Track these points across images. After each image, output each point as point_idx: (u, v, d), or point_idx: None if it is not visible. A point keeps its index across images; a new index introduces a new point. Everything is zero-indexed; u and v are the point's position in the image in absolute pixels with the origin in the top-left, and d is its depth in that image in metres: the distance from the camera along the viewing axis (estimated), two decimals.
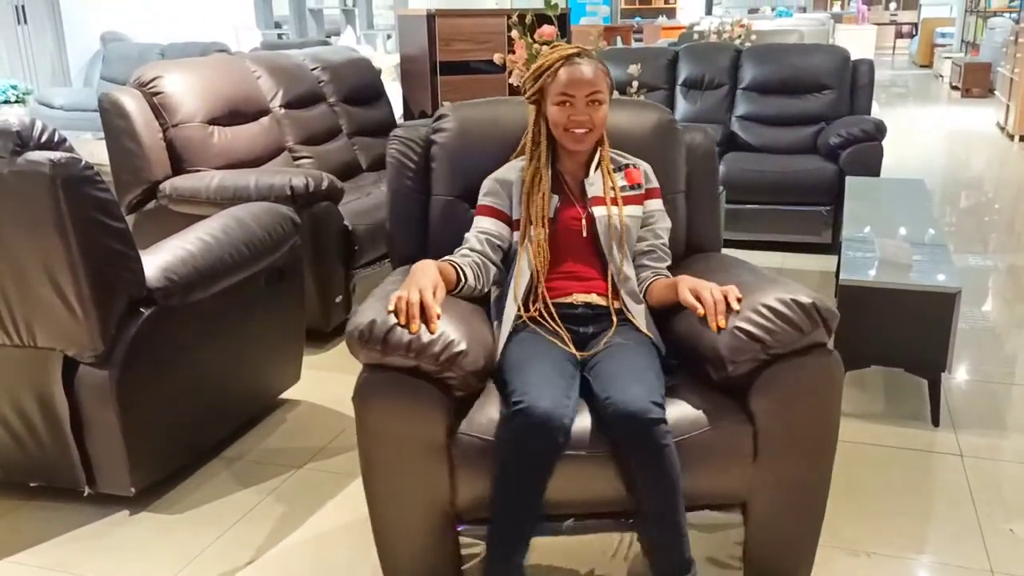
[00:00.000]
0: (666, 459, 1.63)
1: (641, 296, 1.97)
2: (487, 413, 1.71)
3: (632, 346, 1.82)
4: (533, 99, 1.97)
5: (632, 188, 2.02)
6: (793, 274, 4.13)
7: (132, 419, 2.15)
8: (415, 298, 1.65)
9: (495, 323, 1.93)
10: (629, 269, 1.98)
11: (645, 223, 2.03)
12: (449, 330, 1.67)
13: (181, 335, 2.28)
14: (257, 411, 2.74)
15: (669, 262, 2.03)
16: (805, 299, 1.69)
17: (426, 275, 1.73)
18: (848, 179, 3.95)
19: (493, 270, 1.96)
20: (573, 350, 1.83)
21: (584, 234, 1.96)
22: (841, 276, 2.68)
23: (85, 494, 2.24)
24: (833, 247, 4.26)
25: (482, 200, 2.01)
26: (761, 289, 1.75)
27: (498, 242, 1.97)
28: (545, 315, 1.90)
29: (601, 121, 1.94)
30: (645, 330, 1.89)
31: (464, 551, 1.74)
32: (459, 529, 1.74)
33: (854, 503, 2.27)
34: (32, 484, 2.30)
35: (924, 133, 8.67)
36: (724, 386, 1.75)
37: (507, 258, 1.98)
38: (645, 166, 2.07)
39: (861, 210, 3.42)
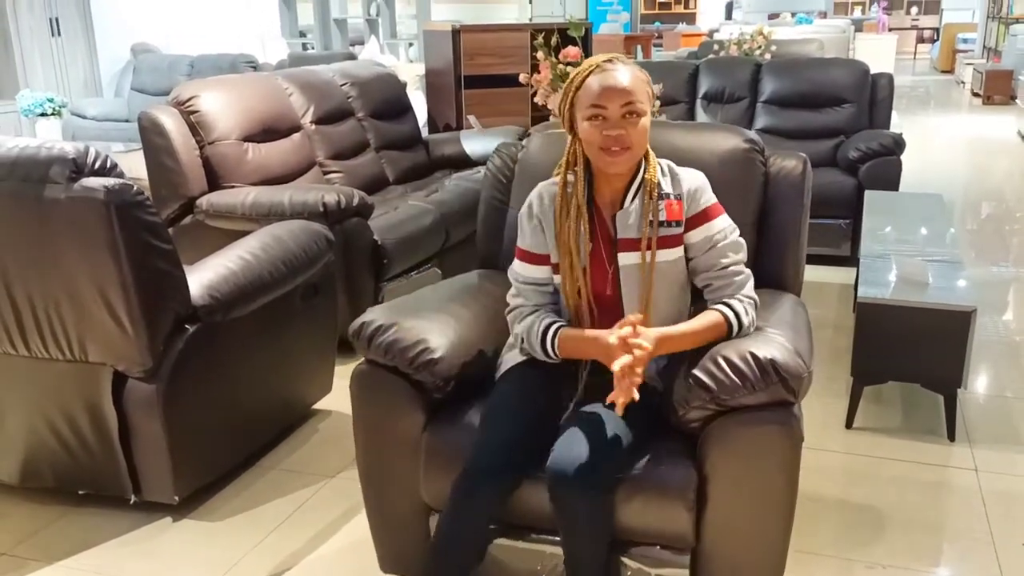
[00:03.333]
0: (576, 520, 1.63)
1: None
2: (457, 417, 1.85)
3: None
4: (570, 126, 1.77)
5: (670, 225, 1.76)
6: (812, 286, 4.18)
7: (177, 430, 2.26)
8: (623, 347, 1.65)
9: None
10: (657, 324, 1.75)
11: (703, 251, 1.78)
12: (431, 337, 1.84)
13: (223, 350, 2.39)
14: (292, 421, 2.85)
15: (731, 289, 1.76)
16: (765, 354, 1.62)
17: (602, 343, 1.70)
18: (867, 193, 4.00)
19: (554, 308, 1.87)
20: (570, 394, 1.80)
21: (608, 291, 1.79)
22: (859, 293, 2.74)
23: (131, 502, 2.35)
24: (852, 260, 4.31)
25: (520, 242, 1.86)
26: (739, 340, 1.71)
27: (545, 288, 1.85)
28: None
29: (640, 137, 1.70)
30: (652, 380, 1.79)
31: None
32: (430, 518, 1.88)
33: (870, 516, 2.34)
34: (81, 492, 2.41)
35: (945, 140, 8.67)
36: (682, 431, 1.73)
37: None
38: (694, 182, 1.79)
39: (880, 225, 3.47)
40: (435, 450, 1.83)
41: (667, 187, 1.78)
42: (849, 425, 2.82)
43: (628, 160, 1.72)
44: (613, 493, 1.68)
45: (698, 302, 1.89)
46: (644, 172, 1.78)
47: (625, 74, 1.68)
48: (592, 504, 1.64)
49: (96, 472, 2.32)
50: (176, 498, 2.31)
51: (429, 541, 1.85)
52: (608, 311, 1.80)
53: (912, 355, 2.70)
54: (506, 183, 2.28)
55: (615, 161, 1.71)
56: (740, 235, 1.82)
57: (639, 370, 1.63)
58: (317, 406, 2.96)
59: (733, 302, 1.75)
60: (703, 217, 1.78)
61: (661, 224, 1.76)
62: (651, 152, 1.80)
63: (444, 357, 1.82)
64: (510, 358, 1.90)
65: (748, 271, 1.80)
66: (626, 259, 1.78)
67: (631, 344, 1.64)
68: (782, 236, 2.08)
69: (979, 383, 3.18)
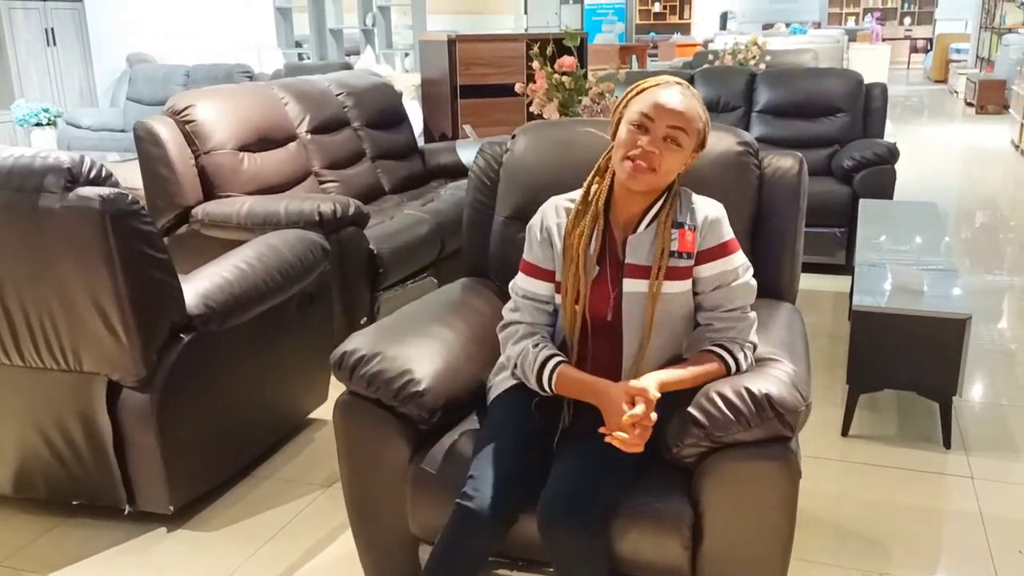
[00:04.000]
0: (571, 562, 1.60)
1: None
2: (445, 448, 1.79)
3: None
4: (614, 131, 1.71)
5: (680, 256, 1.68)
6: (807, 295, 4.19)
7: (171, 440, 2.25)
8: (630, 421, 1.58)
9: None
10: (655, 355, 1.71)
11: (711, 288, 1.70)
12: (416, 367, 1.78)
13: (218, 359, 2.38)
14: (287, 431, 2.84)
15: (733, 333, 1.70)
16: (760, 389, 1.58)
17: (605, 401, 1.63)
18: (862, 202, 4.02)
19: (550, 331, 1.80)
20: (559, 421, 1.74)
21: (609, 317, 1.71)
22: (854, 302, 2.75)
23: (125, 512, 2.34)
24: (847, 268, 4.32)
25: (526, 255, 1.79)
26: (735, 375, 1.67)
27: (544, 307, 1.77)
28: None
29: (669, 166, 1.65)
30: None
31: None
32: (419, 549, 1.85)
33: (866, 524, 2.33)
34: (75, 502, 2.40)
35: (939, 149, 8.71)
36: (677, 465, 1.69)
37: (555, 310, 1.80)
38: (711, 214, 1.71)
39: (874, 234, 3.49)
40: (423, 482, 1.77)
41: (682, 216, 1.70)
42: (845, 433, 2.82)
43: (648, 182, 1.65)
44: (608, 530, 1.63)
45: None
46: (665, 201, 1.71)
47: (684, 100, 1.65)
48: (586, 541, 1.59)
49: (90, 482, 2.31)
50: (171, 508, 2.30)
51: (420, 572, 1.82)
52: (606, 336, 1.73)
53: (907, 363, 2.71)
54: (491, 185, 2.22)
55: (636, 176, 1.64)
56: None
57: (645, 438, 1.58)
58: (312, 416, 2.95)
59: (734, 348, 1.68)
60: (717, 253, 1.70)
61: (672, 255, 1.68)
62: (677, 185, 1.74)
63: (430, 388, 1.76)
64: (500, 381, 1.83)
65: (753, 315, 1.73)
66: (631, 286, 1.70)
67: (642, 425, 1.57)
68: (778, 241, 2.03)
69: (975, 391, 3.18)
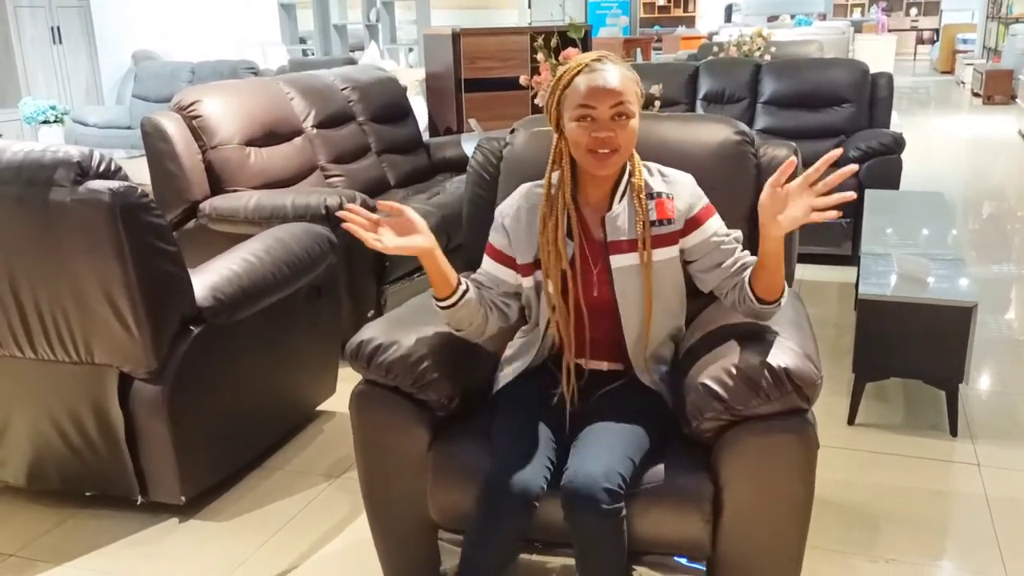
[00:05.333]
0: (594, 542, 1.60)
1: (750, 298, 1.69)
2: (463, 432, 1.82)
3: (625, 406, 1.71)
4: (556, 123, 1.72)
5: (662, 224, 1.73)
6: (813, 285, 4.20)
7: (182, 431, 2.28)
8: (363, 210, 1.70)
9: (508, 352, 1.90)
10: (658, 328, 1.77)
11: (704, 255, 1.76)
12: (433, 354, 1.79)
13: (227, 351, 2.40)
14: (296, 422, 2.86)
15: (747, 273, 1.72)
16: (778, 363, 1.61)
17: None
18: (867, 192, 4.02)
19: (502, 312, 1.83)
20: (566, 404, 1.76)
21: (595, 293, 1.75)
22: (860, 290, 2.76)
23: (138, 502, 2.36)
24: (853, 259, 4.32)
25: (490, 237, 1.84)
26: (749, 348, 1.69)
27: (504, 289, 1.82)
28: (552, 367, 1.83)
29: (629, 140, 1.67)
30: (657, 387, 1.78)
31: (443, 557, 1.86)
32: (438, 536, 1.86)
33: (873, 511, 2.34)
34: (88, 493, 2.42)
35: (945, 140, 8.69)
36: (696, 440, 1.71)
37: (519, 299, 1.84)
38: (683, 183, 1.77)
39: (880, 223, 3.49)
40: (443, 467, 1.79)
41: (656, 186, 1.76)
42: (851, 421, 2.83)
43: (616, 162, 1.69)
44: (628, 509, 1.64)
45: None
46: (631, 174, 1.75)
47: (615, 74, 1.64)
48: (609, 524, 1.59)
49: (103, 473, 2.34)
50: (183, 499, 2.33)
51: (437, 559, 1.84)
52: (603, 318, 1.77)
53: (914, 351, 2.71)
54: (490, 180, 2.24)
55: (603, 164, 1.67)
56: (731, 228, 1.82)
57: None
58: (321, 408, 2.97)
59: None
60: (698, 220, 1.75)
61: (652, 224, 1.72)
62: (635, 153, 1.76)
63: (448, 375, 1.78)
64: (503, 376, 1.86)
65: (748, 254, 1.76)
66: (619, 261, 1.74)
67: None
68: None
69: (981, 380, 3.18)
